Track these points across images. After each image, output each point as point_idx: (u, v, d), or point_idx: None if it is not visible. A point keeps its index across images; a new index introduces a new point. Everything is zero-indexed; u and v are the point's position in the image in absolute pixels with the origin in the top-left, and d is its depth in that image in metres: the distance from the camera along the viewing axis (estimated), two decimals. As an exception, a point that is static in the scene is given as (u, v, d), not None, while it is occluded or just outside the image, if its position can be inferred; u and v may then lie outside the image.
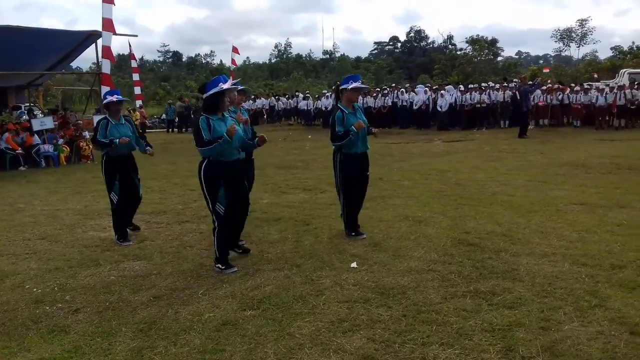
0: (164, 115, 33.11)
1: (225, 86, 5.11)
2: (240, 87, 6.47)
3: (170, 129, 29.41)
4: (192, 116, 28.42)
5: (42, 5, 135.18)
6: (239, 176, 5.34)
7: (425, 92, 23.35)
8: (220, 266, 5.27)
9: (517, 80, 22.94)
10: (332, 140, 6.12)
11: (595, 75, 28.31)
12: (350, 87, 6.11)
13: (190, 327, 4.01)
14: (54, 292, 4.92)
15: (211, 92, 5.11)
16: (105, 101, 6.74)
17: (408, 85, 28.36)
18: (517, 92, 18.76)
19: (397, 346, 3.57)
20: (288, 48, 78.39)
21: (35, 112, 19.45)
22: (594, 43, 58.30)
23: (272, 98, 32.25)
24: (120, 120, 6.64)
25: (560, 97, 21.01)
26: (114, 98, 6.64)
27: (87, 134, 17.19)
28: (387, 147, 16.08)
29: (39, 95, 23.40)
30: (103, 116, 6.81)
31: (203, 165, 5.21)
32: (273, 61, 76.68)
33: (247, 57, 79.22)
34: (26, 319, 4.32)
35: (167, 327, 4.04)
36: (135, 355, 3.61)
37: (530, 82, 19.79)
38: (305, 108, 28.51)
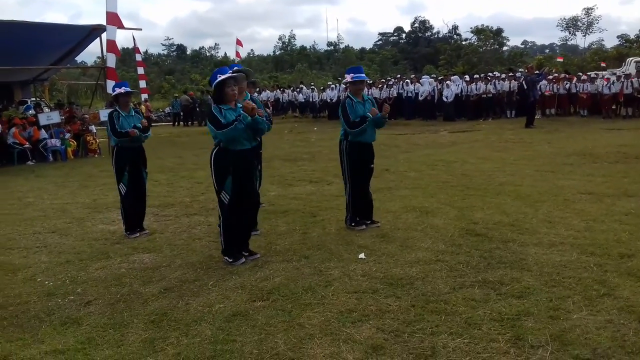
0: (169, 109, 33.21)
1: (223, 76, 5.12)
2: (243, 70, 6.43)
3: (176, 123, 29.48)
4: (197, 109, 28.47)
5: (46, 0, 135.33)
6: (248, 167, 5.31)
7: (430, 83, 23.28)
8: (228, 258, 5.30)
9: (522, 69, 22.85)
10: (350, 127, 6.08)
11: (603, 64, 28.09)
12: (347, 80, 6.17)
13: (201, 318, 4.05)
14: (65, 284, 4.97)
15: (213, 84, 5.15)
16: (114, 93, 6.75)
17: (413, 76, 28.26)
18: (523, 82, 18.67)
19: (406, 336, 3.60)
20: (292, 40, 78.05)
21: (42, 107, 19.55)
22: (600, 32, 58.06)
23: (277, 90, 32.23)
24: (130, 112, 6.67)
25: (567, 86, 20.90)
26: (122, 90, 6.66)
27: (93, 128, 17.27)
28: (393, 138, 16.06)
29: (44, 90, 23.48)
30: (113, 109, 6.82)
31: (214, 153, 5.24)
32: (277, 53, 76.43)
33: (252, 50, 79.23)
34: (39, 311, 4.36)
35: (178, 318, 4.08)
36: (147, 346, 3.65)
37: (537, 72, 19.68)
38: (303, 100, 28.76)
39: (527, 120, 17.64)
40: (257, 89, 31.22)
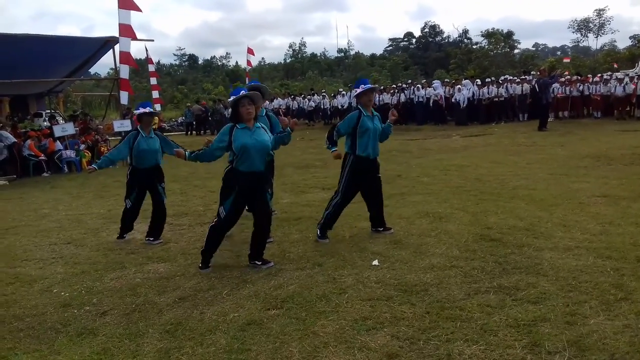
0: (181, 118, 33.45)
1: (232, 98, 5.31)
2: (257, 87, 6.47)
3: (189, 132, 29.67)
4: (210, 118, 28.65)
5: (58, 14, 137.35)
6: (256, 187, 5.30)
7: (435, 88, 23.17)
8: (200, 264, 5.52)
9: (534, 72, 22.71)
10: (330, 134, 6.12)
11: (615, 65, 27.83)
12: (358, 91, 6.13)
13: (216, 327, 4.06)
14: (81, 295, 5.01)
15: (230, 104, 5.31)
16: (137, 112, 6.82)
17: (424, 81, 28.19)
18: (536, 85, 18.55)
19: (422, 343, 3.58)
20: (302, 47, 78.51)
21: (57, 119, 19.78)
22: (612, 33, 57.51)
23: (289, 98, 32.35)
24: (150, 133, 6.72)
25: (580, 88, 20.73)
26: (147, 110, 6.75)
27: (108, 139, 17.43)
28: (405, 144, 16.03)
29: (59, 102, 23.76)
30: (135, 129, 6.90)
31: (226, 170, 5.35)
32: (288, 61, 76.85)
33: (262, 58, 79.71)
34: (55, 322, 4.40)
35: (193, 327, 4.09)
36: (163, 356, 3.67)
37: (552, 74, 19.54)
38: (313, 107, 28.89)
39: (540, 123, 17.53)
40: (267, 101, 31.41)
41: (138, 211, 7.00)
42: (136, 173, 6.73)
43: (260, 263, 5.44)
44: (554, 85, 19.60)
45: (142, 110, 6.77)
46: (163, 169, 6.93)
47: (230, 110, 5.54)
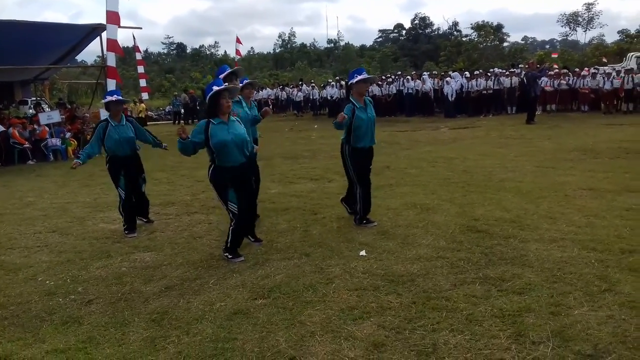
0: (169, 107, 33.22)
1: (217, 88, 5.10)
2: (245, 80, 6.47)
3: (177, 121, 29.48)
4: (198, 107, 28.48)
5: (45, 0, 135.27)
6: (245, 176, 5.36)
7: (423, 80, 23.20)
8: (228, 255, 5.37)
9: (522, 65, 22.78)
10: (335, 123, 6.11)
11: (604, 60, 28.03)
12: (355, 80, 6.09)
13: (202, 316, 4.05)
14: (66, 284, 4.97)
15: (208, 96, 5.15)
16: (104, 101, 6.65)
17: (414, 72, 28.20)
18: (524, 78, 18.61)
19: (408, 332, 3.60)
20: (292, 38, 78.19)
21: (42, 106, 19.56)
22: (600, 27, 58.08)
23: (277, 88, 32.26)
24: (121, 121, 6.58)
25: (570, 81, 20.83)
26: (114, 98, 6.57)
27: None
28: (394, 135, 16.05)
29: (45, 89, 23.49)
30: (104, 118, 6.77)
31: (210, 170, 5.29)
32: (277, 51, 76.52)
33: (252, 48, 79.46)
34: (40, 310, 4.37)
35: (179, 316, 4.08)
36: (148, 345, 3.66)
37: (539, 66, 19.61)
38: (303, 98, 28.87)
39: (528, 116, 17.60)
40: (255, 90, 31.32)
41: (137, 199, 6.83)
42: (114, 161, 6.58)
43: (253, 240, 5.57)
44: (542, 79, 19.68)
45: (109, 98, 6.60)
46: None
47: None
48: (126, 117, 6.72)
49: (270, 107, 31.16)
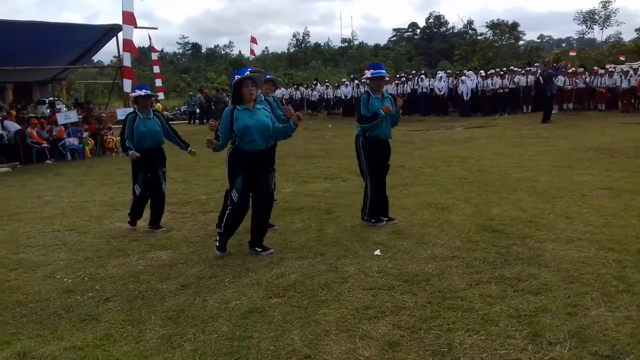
0: (184, 107, 33.41)
1: (239, 76, 5.26)
2: (267, 76, 6.55)
3: (192, 121, 29.65)
4: (213, 107, 28.61)
5: (62, 1, 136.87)
6: (262, 166, 5.38)
7: (441, 78, 23.09)
8: (217, 242, 5.58)
9: (537, 64, 22.57)
10: (360, 121, 6.12)
11: (622, 58, 27.65)
12: (366, 76, 6.16)
13: (218, 314, 4.08)
14: (84, 281, 5.03)
15: (232, 84, 5.30)
16: (133, 95, 6.79)
17: (423, 72, 28.03)
18: (540, 77, 18.43)
19: (423, 332, 3.59)
20: (306, 37, 78.22)
21: (58, 106, 19.77)
22: (617, 25, 57.09)
23: (292, 88, 32.31)
24: (148, 114, 6.69)
25: (587, 80, 20.60)
26: (143, 92, 6.71)
27: (112, 127, 17.43)
28: (408, 135, 16.00)
29: (62, 89, 23.74)
30: (132, 110, 6.89)
31: (229, 151, 5.38)
32: (292, 51, 76.61)
33: (266, 47, 79.61)
34: (58, 308, 4.42)
35: (195, 314, 4.11)
36: (165, 342, 3.69)
37: (555, 65, 19.43)
38: (318, 98, 28.86)
39: (544, 115, 17.45)
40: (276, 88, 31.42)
41: (148, 196, 6.88)
42: (139, 154, 6.61)
43: (260, 250, 5.49)
44: (560, 78, 19.48)
45: (138, 92, 6.75)
46: (166, 158, 6.91)
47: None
48: (154, 111, 6.83)
49: (285, 105, 31.39)
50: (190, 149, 6.98)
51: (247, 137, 5.18)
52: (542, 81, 18.06)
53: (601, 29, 55.41)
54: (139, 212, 6.95)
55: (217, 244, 5.57)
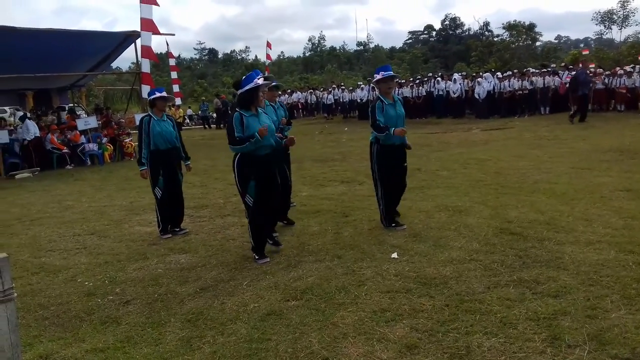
0: (200, 112, 33.70)
1: (260, 81, 5.29)
2: (274, 83, 6.64)
3: (206, 125, 29.89)
4: (229, 112, 28.79)
5: (81, 8, 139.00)
6: (270, 170, 5.47)
7: (455, 80, 22.98)
8: (255, 256, 5.48)
9: (554, 65, 22.30)
10: (373, 127, 6.14)
11: (640, 58, 27.25)
12: (376, 79, 6.19)
13: (236, 317, 4.11)
14: (104, 285, 5.11)
15: (246, 88, 5.28)
16: (152, 97, 6.86)
17: (440, 74, 27.93)
18: (575, 77, 18.08)
19: (441, 335, 3.59)
20: (322, 41, 78.55)
21: (78, 112, 20.04)
22: (636, 25, 56.13)
23: (307, 92, 32.42)
24: (162, 117, 6.79)
25: (608, 80, 20.32)
26: (161, 94, 6.83)
27: (130, 133, 17.63)
28: (425, 137, 15.95)
29: (82, 96, 24.04)
30: (145, 114, 6.98)
31: (236, 159, 5.42)
32: (307, 54, 76.88)
33: (282, 52, 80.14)
34: (79, 311, 4.50)
35: (214, 317, 4.15)
36: (184, 345, 3.73)
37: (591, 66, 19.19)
38: (333, 101, 28.90)
39: (582, 115, 17.12)
40: (280, 93, 31.55)
41: (173, 198, 6.85)
42: (156, 155, 6.69)
43: (271, 242, 5.68)
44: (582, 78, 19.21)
45: (157, 94, 6.83)
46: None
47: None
48: (167, 116, 6.93)
49: (301, 109, 31.44)
50: (188, 162, 7.09)
51: (257, 142, 5.22)
52: (576, 82, 17.67)
53: (620, 29, 54.59)
54: (166, 216, 6.82)
55: (256, 257, 5.46)
